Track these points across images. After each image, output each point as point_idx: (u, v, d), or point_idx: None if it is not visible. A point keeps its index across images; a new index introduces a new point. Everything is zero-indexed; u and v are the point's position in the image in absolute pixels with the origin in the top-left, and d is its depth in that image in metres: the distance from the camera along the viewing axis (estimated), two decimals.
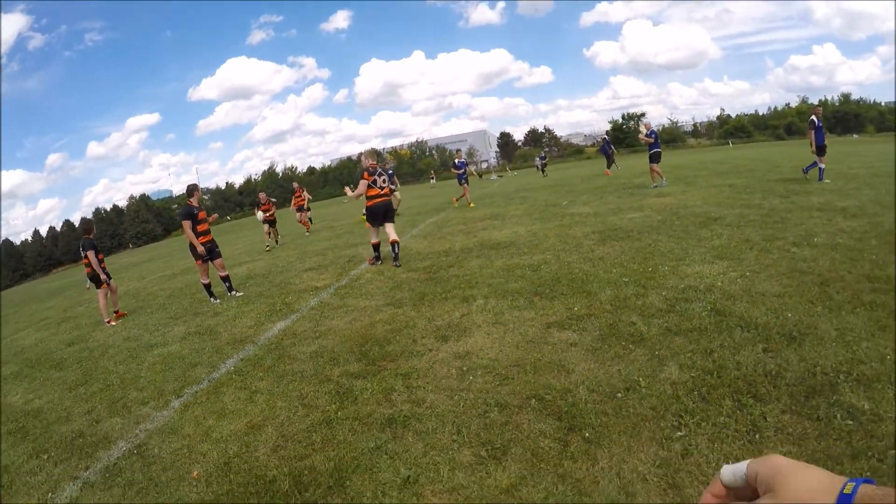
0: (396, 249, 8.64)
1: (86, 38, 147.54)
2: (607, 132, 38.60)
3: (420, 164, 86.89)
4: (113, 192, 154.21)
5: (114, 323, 8.82)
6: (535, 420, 3.12)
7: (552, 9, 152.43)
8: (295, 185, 20.00)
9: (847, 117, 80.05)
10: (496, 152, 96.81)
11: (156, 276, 16.05)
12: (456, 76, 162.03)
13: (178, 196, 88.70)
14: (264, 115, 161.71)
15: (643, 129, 14.95)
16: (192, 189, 8.47)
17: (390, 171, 18.62)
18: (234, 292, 8.70)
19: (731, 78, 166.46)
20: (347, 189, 8.71)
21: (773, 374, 3.27)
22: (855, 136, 67.83)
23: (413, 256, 9.02)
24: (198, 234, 8.15)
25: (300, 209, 19.26)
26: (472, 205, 17.61)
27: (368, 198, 8.55)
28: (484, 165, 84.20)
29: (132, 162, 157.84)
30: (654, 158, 14.64)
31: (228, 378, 4.80)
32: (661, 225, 8.64)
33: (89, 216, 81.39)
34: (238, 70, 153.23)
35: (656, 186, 14.38)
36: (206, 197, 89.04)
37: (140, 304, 10.35)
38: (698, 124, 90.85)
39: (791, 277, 5.04)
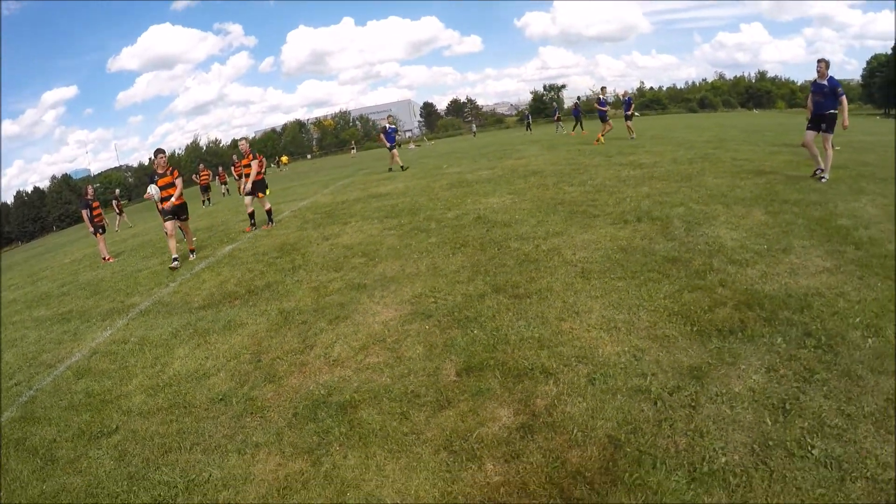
0: (271, 215, 11.37)
1: (2, 6, 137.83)
2: (578, 97, 43.74)
3: (343, 134, 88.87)
4: (28, 174, 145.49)
5: (112, 260, 11.90)
6: (358, 258, 6.90)
7: None
8: (234, 157, 22.59)
9: (759, 94, 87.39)
10: (420, 122, 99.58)
11: (109, 242, 18.70)
12: (385, 44, 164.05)
13: (98, 174, 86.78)
14: (187, 85, 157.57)
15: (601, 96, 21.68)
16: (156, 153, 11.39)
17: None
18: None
19: (660, 52, 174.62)
20: (250, 177, 10.88)
21: (484, 238, 6.98)
22: (755, 110, 74.37)
23: (320, 206, 12.57)
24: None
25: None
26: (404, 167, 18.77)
27: (259, 174, 11.07)
28: (408, 135, 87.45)
29: (48, 140, 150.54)
30: (628, 118, 20.13)
31: (202, 271, 8.21)
32: (497, 177, 12.46)
33: (7, 201, 78.75)
34: (161, 38, 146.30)
35: (633, 139, 19.46)
36: (128, 175, 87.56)
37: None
38: (619, 95, 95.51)
39: (543, 202, 8.77)
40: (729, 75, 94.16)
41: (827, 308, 3.96)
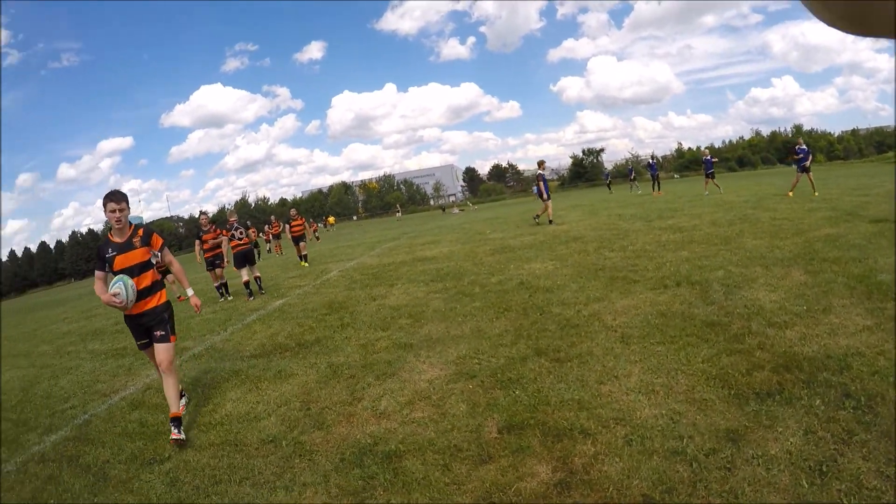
0: (259, 283, 12.07)
1: (62, 57, 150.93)
2: (653, 155, 41.25)
3: (388, 197, 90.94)
4: (82, 217, 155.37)
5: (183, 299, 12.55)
6: (404, 319, 7.12)
7: (520, 45, 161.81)
8: (293, 212, 19.44)
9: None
10: (462, 186, 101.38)
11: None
12: (426, 109, 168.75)
13: (150, 223, 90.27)
14: (237, 143, 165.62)
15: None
16: (200, 214, 12.57)
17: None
18: (226, 297, 12.25)
19: (695, 111, 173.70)
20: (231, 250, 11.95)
21: (527, 303, 7.07)
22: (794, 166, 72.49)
23: (367, 267, 13.03)
24: (206, 250, 12.06)
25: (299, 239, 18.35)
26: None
27: (233, 248, 11.94)
28: (451, 199, 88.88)
29: (103, 186, 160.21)
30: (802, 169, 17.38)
31: (254, 322, 8.59)
32: (539, 243, 12.68)
33: (62, 239, 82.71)
34: (212, 97, 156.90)
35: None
36: (179, 225, 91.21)
37: None
38: (660, 158, 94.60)
39: (584, 267, 8.86)
40: (765, 131, 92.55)
41: (867, 368, 3.91)
